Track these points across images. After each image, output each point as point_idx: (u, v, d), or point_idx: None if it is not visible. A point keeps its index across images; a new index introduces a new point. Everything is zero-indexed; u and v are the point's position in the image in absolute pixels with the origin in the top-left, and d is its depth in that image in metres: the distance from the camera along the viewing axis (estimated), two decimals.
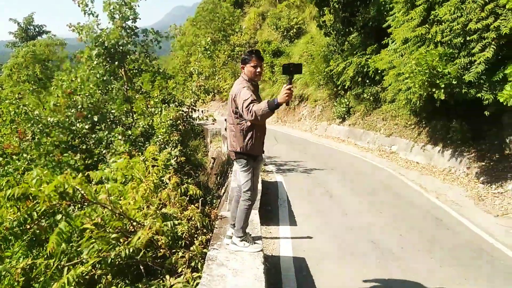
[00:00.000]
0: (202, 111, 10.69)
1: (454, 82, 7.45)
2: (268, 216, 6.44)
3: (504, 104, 6.19)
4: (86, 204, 4.69)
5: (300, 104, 20.79)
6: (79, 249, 4.17)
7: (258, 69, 3.47)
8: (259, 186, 6.04)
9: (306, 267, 4.75)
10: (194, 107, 9.12)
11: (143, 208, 4.78)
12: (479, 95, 7.37)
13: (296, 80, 21.32)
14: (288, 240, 5.51)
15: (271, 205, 7.06)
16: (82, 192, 4.46)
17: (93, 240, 4.14)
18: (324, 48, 17.57)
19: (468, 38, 7.18)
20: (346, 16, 14.76)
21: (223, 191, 7.75)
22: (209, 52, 9.59)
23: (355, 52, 14.58)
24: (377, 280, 4.40)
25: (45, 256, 3.98)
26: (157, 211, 4.49)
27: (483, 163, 8.57)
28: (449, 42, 7.59)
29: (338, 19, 15.27)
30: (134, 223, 4.62)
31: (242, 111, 3.28)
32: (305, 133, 17.95)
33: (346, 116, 15.94)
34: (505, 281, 4.44)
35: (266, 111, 3.10)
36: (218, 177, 8.68)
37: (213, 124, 12.64)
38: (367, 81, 14.25)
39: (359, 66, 14.00)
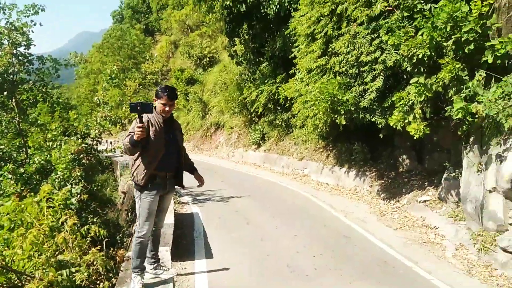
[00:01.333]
0: (111, 143, 10.06)
1: (352, 109, 8.16)
2: (182, 250, 6.16)
3: (394, 127, 6.94)
4: None
5: (217, 131, 20.88)
6: None
7: (167, 108, 3.65)
8: (170, 220, 5.75)
9: None
10: (100, 139, 8.50)
11: (35, 257, 4.21)
12: (373, 119, 8.17)
13: (212, 108, 21.49)
14: (204, 274, 5.29)
15: (186, 239, 6.77)
16: None
17: None
18: (237, 76, 18.10)
19: (361, 69, 7.97)
20: (256, 46, 15.47)
21: (134, 228, 7.21)
22: (115, 81, 9.13)
23: (266, 81, 15.24)
24: None
25: None
26: (51, 259, 3.97)
27: (382, 181, 9.42)
28: (345, 72, 8.34)
29: (248, 49, 15.92)
30: (23, 276, 4.02)
31: None
32: (223, 160, 17.96)
33: (261, 142, 16.40)
34: None
35: (128, 146, 3.34)
36: (129, 213, 8.10)
37: (122, 156, 11.94)
38: (279, 108, 14.94)
39: (271, 93, 14.64)
